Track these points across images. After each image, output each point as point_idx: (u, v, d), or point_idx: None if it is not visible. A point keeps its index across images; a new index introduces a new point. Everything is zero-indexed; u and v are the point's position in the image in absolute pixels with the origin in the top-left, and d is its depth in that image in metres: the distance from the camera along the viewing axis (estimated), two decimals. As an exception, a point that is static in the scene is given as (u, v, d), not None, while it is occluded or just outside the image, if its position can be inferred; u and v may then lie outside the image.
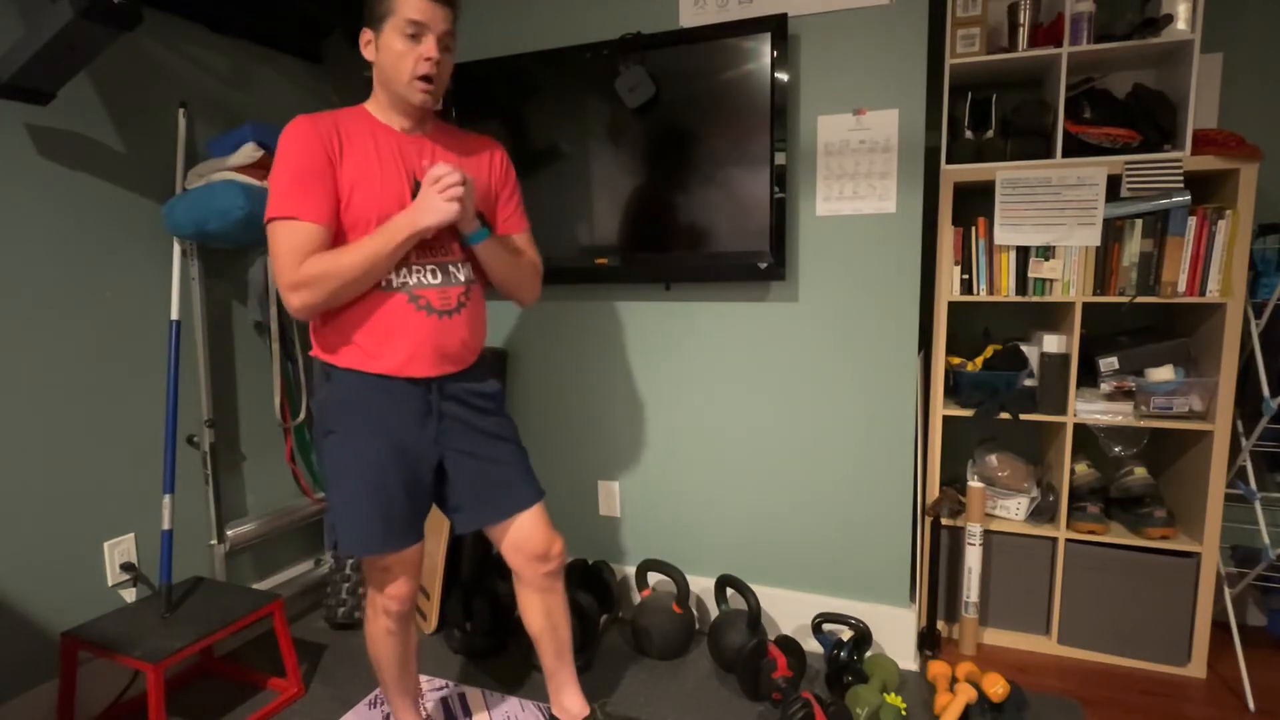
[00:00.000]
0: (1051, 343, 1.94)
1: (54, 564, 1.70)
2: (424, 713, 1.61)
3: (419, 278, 1.30)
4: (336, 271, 1.21)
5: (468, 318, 1.36)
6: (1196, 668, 1.91)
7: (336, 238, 1.25)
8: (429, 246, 1.31)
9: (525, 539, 1.45)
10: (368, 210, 1.25)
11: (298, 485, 2.28)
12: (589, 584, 2.16)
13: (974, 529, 2.00)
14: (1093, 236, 1.85)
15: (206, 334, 1.96)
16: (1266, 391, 1.80)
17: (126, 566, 1.83)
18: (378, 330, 1.28)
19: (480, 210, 1.35)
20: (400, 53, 1.23)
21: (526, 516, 1.44)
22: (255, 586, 2.17)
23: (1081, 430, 2.07)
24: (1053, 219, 1.87)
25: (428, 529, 2.25)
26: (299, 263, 1.20)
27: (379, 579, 1.39)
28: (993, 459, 2.08)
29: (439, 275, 1.32)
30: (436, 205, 1.23)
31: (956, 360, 2.06)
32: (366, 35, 1.28)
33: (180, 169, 1.87)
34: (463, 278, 1.35)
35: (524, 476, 1.46)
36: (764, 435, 2.04)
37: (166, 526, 1.80)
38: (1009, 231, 1.91)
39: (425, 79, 1.25)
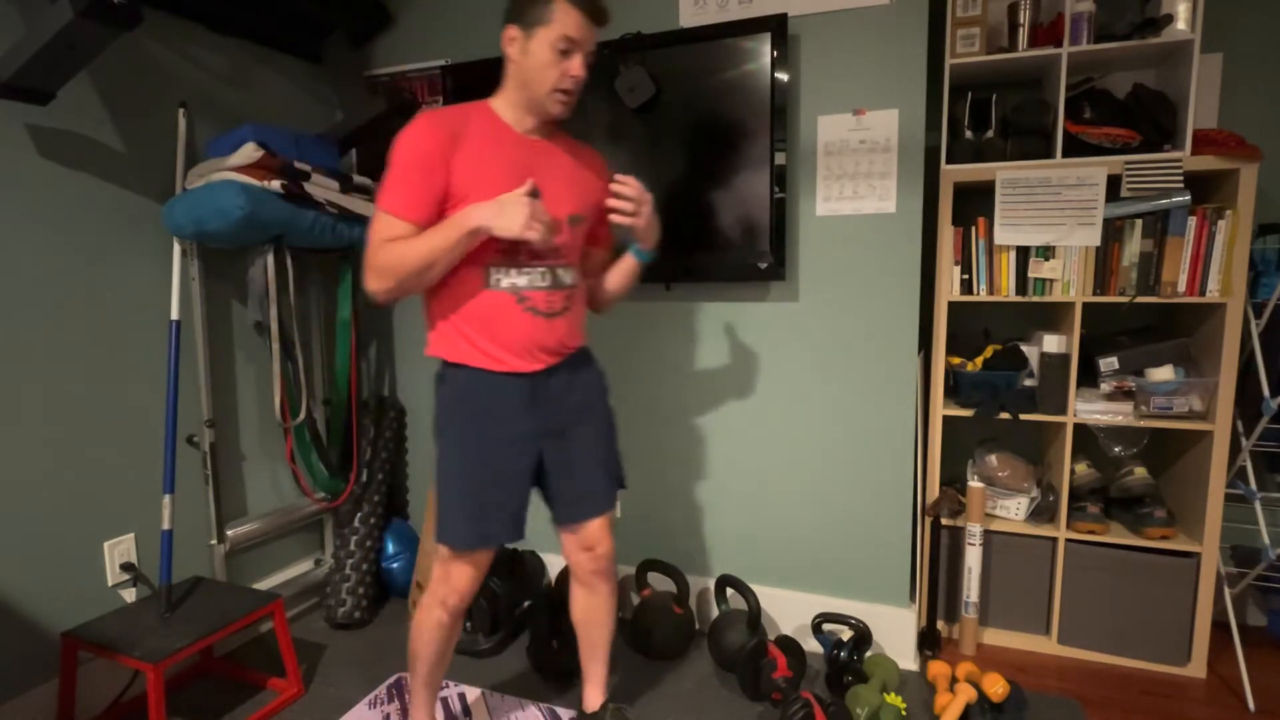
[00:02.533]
0: (1051, 343, 1.94)
1: (54, 564, 1.70)
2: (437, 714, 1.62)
3: (529, 279, 1.33)
4: (399, 263, 1.24)
5: (570, 319, 1.40)
6: (1196, 668, 1.91)
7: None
8: (541, 250, 1.34)
9: (581, 535, 1.50)
10: None
11: (298, 485, 2.28)
12: (589, 584, 2.16)
13: (974, 529, 2.00)
14: (1093, 236, 1.85)
15: (206, 334, 1.96)
16: (1266, 391, 1.80)
17: (126, 566, 1.83)
18: (487, 329, 1.32)
19: (583, 216, 1.40)
20: (547, 63, 1.26)
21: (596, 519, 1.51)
22: (255, 586, 2.17)
23: (1081, 430, 2.07)
24: (1053, 219, 1.87)
25: (427, 527, 2.25)
26: (380, 249, 1.25)
27: (451, 570, 1.40)
28: (993, 459, 2.08)
29: (547, 279, 1.35)
30: (516, 220, 1.20)
31: (956, 360, 2.06)
32: (512, 32, 1.28)
33: (180, 169, 1.87)
34: (569, 281, 1.39)
35: (610, 479, 1.50)
36: (764, 435, 2.04)
37: (166, 526, 1.80)
38: (1009, 231, 1.91)
39: (564, 91, 1.29)
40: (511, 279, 1.32)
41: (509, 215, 1.21)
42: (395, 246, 1.24)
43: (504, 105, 1.35)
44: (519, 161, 1.32)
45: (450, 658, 1.54)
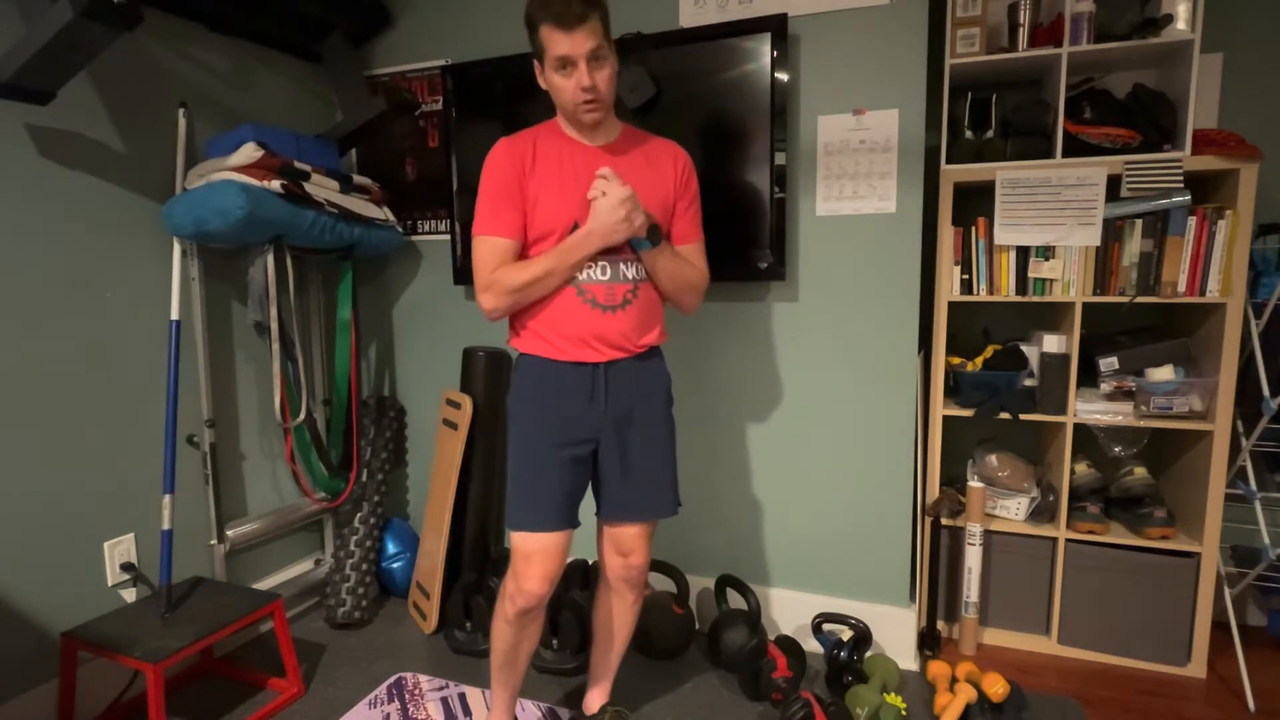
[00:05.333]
0: (1051, 343, 1.94)
1: (54, 564, 1.70)
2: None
3: (589, 274, 1.37)
4: (511, 282, 1.34)
5: (632, 313, 1.41)
6: (1196, 668, 1.91)
7: (525, 246, 1.40)
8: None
9: (619, 538, 1.50)
10: (550, 221, 1.37)
11: (298, 485, 2.28)
12: (589, 584, 2.16)
13: (974, 529, 2.00)
14: (1093, 236, 1.85)
15: (206, 334, 1.96)
16: (1266, 391, 1.80)
17: (126, 566, 1.83)
18: (549, 320, 1.39)
19: (657, 221, 1.40)
20: (559, 86, 1.32)
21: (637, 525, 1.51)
22: (255, 586, 2.17)
23: (1081, 430, 2.07)
24: (1053, 219, 1.87)
25: (427, 527, 2.25)
26: (489, 270, 1.36)
27: (519, 566, 1.41)
28: (993, 459, 2.08)
29: (608, 272, 1.38)
30: (605, 234, 1.31)
31: (956, 360, 2.06)
32: (537, 69, 1.37)
33: (180, 169, 1.87)
34: (631, 275, 1.40)
35: (660, 489, 1.49)
36: (764, 435, 2.04)
37: (166, 526, 1.80)
38: (1009, 231, 1.91)
39: (585, 102, 1.32)
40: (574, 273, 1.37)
41: (610, 226, 1.30)
42: (508, 269, 1.35)
43: (563, 122, 1.43)
44: (581, 171, 1.38)
45: (524, 665, 1.52)
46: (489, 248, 1.37)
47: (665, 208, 1.44)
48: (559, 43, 1.26)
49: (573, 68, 1.28)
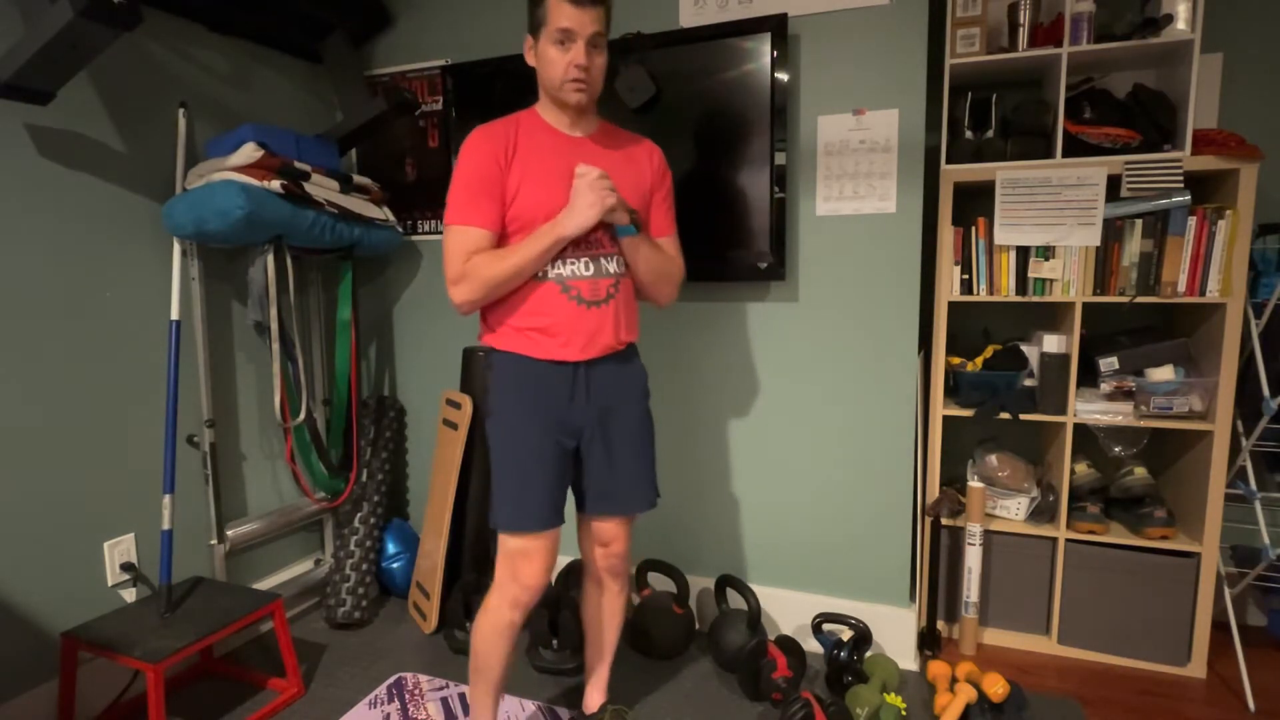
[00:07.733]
0: (1051, 343, 1.94)
1: (54, 564, 1.70)
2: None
3: (572, 269, 1.36)
4: (489, 272, 1.32)
5: (615, 308, 1.41)
6: (1196, 668, 1.91)
7: (502, 235, 1.37)
8: (583, 240, 1.37)
9: (600, 529, 1.52)
10: (531, 210, 1.35)
11: (298, 485, 2.28)
12: (589, 584, 2.16)
13: (974, 529, 2.00)
14: (1093, 236, 1.85)
15: (206, 334, 1.96)
16: (1266, 391, 1.80)
17: (126, 566, 1.83)
18: (532, 317, 1.37)
19: (634, 209, 1.40)
20: (553, 59, 1.31)
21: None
22: (255, 586, 2.17)
23: (1081, 430, 2.07)
24: (1053, 219, 1.87)
25: (427, 527, 2.25)
26: (463, 261, 1.34)
27: (515, 564, 1.39)
28: (993, 459, 2.08)
29: (591, 267, 1.38)
30: (576, 215, 1.30)
31: (956, 360, 2.06)
32: (529, 43, 1.38)
33: (180, 169, 1.87)
34: (613, 270, 1.41)
35: (642, 482, 1.50)
36: (764, 435, 2.04)
37: (166, 526, 1.80)
38: (1009, 231, 1.91)
39: (574, 81, 1.32)
40: (557, 269, 1.36)
41: (580, 208, 1.29)
42: (484, 259, 1.32)
43: (544, 109, 1.42)
44: (562, 160, 1.37)
45: (507, 669, 1.51)
46: (464, 238, 1.34)
47: (643, 201, 1.46)
48: (566, 15, 1.27)
49: (571, 43, 1.29)
